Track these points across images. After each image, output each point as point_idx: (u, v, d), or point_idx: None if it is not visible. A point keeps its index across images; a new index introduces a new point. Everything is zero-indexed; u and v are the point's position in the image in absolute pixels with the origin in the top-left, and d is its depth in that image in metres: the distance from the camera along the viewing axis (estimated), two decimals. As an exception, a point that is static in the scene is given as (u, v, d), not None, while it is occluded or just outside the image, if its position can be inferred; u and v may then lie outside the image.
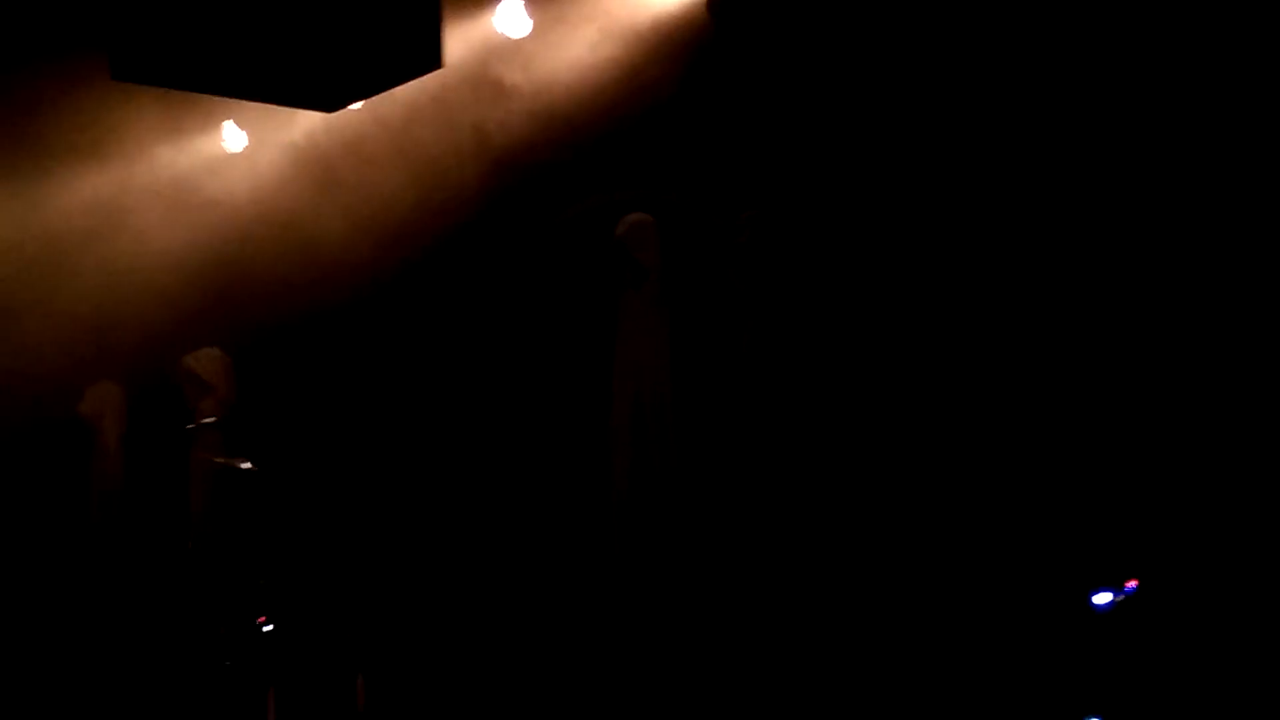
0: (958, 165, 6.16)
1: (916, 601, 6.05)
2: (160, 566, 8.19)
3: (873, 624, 6.14)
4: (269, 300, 8.05)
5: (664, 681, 6.61)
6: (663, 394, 6.93)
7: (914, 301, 6.28)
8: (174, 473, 8.24)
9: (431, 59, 5.12)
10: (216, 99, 6.92)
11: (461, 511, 7.58)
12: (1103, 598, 6.04)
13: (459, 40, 6.97)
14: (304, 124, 7.95)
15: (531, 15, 7.09)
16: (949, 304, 6.20)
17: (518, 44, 7.17)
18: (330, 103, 5.59)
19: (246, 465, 7.47)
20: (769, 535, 6.46)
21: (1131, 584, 5.58)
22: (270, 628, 7.31)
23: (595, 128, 6.99)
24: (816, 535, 6.34)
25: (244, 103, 7.75)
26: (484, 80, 7.28)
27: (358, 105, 6.80)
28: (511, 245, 7.53)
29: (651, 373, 6.95)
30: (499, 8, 7.10)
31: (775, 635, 6.34)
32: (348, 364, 8.08)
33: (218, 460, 7.57)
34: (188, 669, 7.68)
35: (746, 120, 6.77)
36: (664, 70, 6.83)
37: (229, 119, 8.05)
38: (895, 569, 6.14)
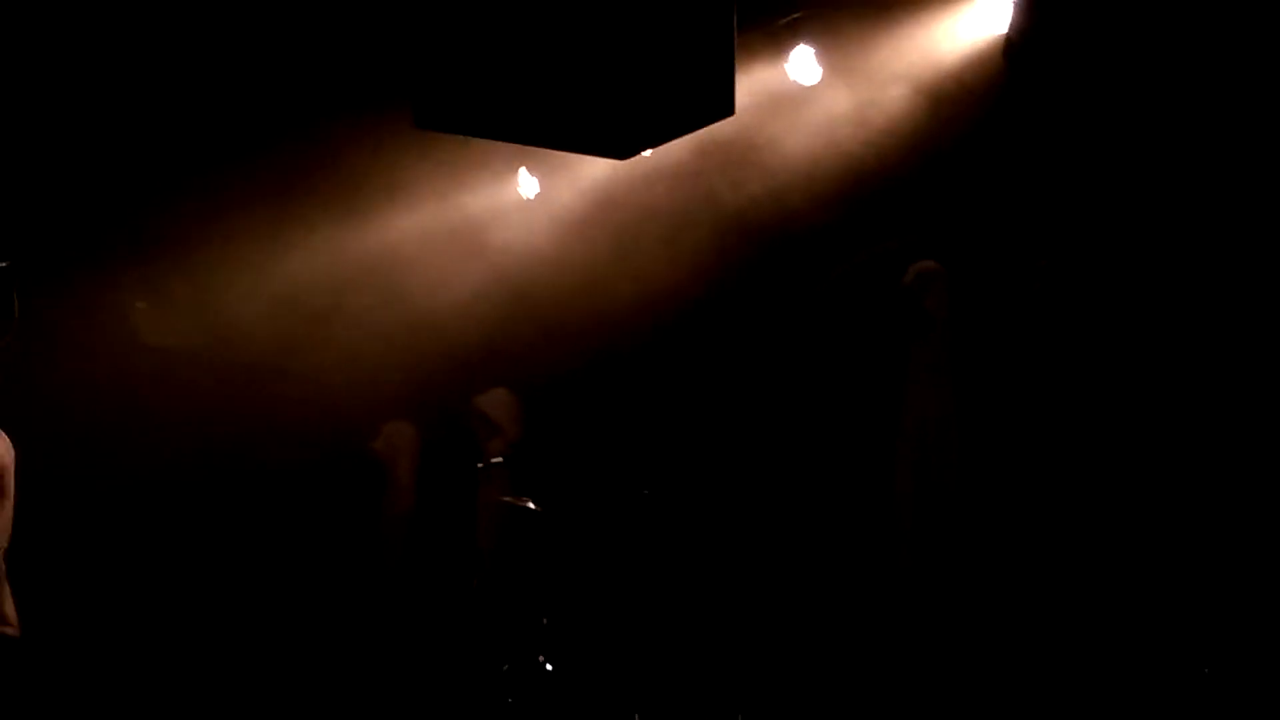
0: (1267, 215, 5.86)
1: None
2: (446, 602, 8.31)
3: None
4: (554, 344, 8.18)
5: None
6: (949, 446, 6.75)
7: (1217, 354, 5.98)
8: (462, 510, 8.36)
9: (724, 106, 5.09)
10: (512, 146, 7.12)
11: (747, 558, 7.53)
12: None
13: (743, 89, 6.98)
14: (592, 172, 8.07)
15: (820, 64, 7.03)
16: (1256, 359, 5.89)
17: (804, 91, 7.12)
18: (623, 150, 5.61)
19: (532, 505, 7.55)
20: (1056, 598, 6.23)
21: None
22: (551, 667, 7.35)
23: (880, 176, 6.91)
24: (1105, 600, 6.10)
25: (537, 150, 7.99)
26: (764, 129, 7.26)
27: (648, 153, 6.84)
28: (795, 296, 7.47)
29: (938, 425, 6.78)
30: (791, 55, 7.05)
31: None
32: (630, 408, 8.13)
33: (505, 499, 7.66)
34: (471, 704, 7.74)
35: (1039, 166, 6.58)
36: (953, 115, 6.69)
37: (522, 166, 8.21)
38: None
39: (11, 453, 6.58)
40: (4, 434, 6.55)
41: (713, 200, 7.56)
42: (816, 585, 7.21)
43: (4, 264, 7.67)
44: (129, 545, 8.24)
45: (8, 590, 6.60)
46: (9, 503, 6.50)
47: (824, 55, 7.01)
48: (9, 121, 7.29)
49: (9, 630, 6.55)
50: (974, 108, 6.59)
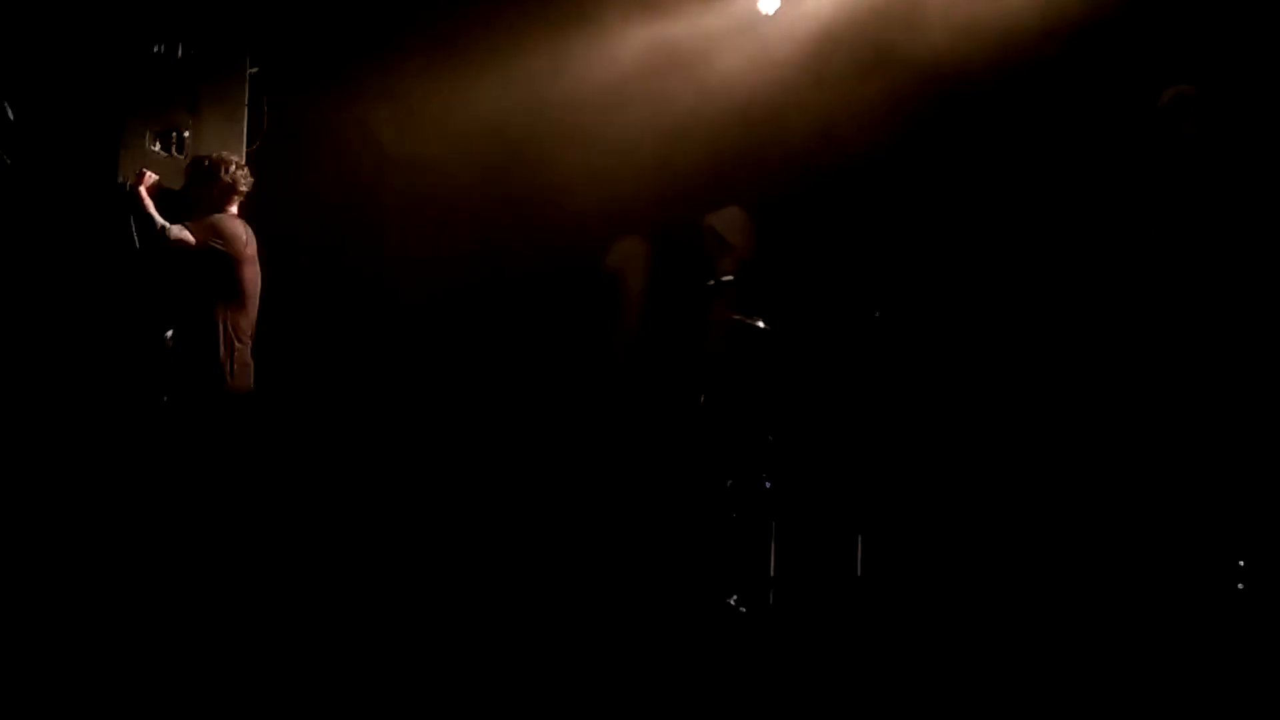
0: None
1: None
2: (672, 417, 8.33)
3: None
4: (788, 162, 8.02)
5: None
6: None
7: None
8: (692, 327, 8.33)
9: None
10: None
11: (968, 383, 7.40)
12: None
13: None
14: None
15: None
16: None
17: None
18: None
19: (761, 324, 7.48)
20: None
21: None
22: (770, 485, 7.33)
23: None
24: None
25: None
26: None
27: None
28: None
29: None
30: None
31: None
32: (861, 229, 7.96)
33: (734, 317, 7.59)
34: (694, 518, 7.79)
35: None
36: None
37: None
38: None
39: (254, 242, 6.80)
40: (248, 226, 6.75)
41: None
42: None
43: (254, 70, 7.81)
44: (368, 350, 8.43)
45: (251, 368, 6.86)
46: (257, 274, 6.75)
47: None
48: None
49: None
50: None
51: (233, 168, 6.89)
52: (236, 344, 6.72)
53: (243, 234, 6.84)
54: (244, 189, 6.92)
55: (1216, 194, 6.38)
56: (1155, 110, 6.54)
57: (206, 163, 6.93)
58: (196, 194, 6.86)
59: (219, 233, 6.73)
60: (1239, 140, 6.25)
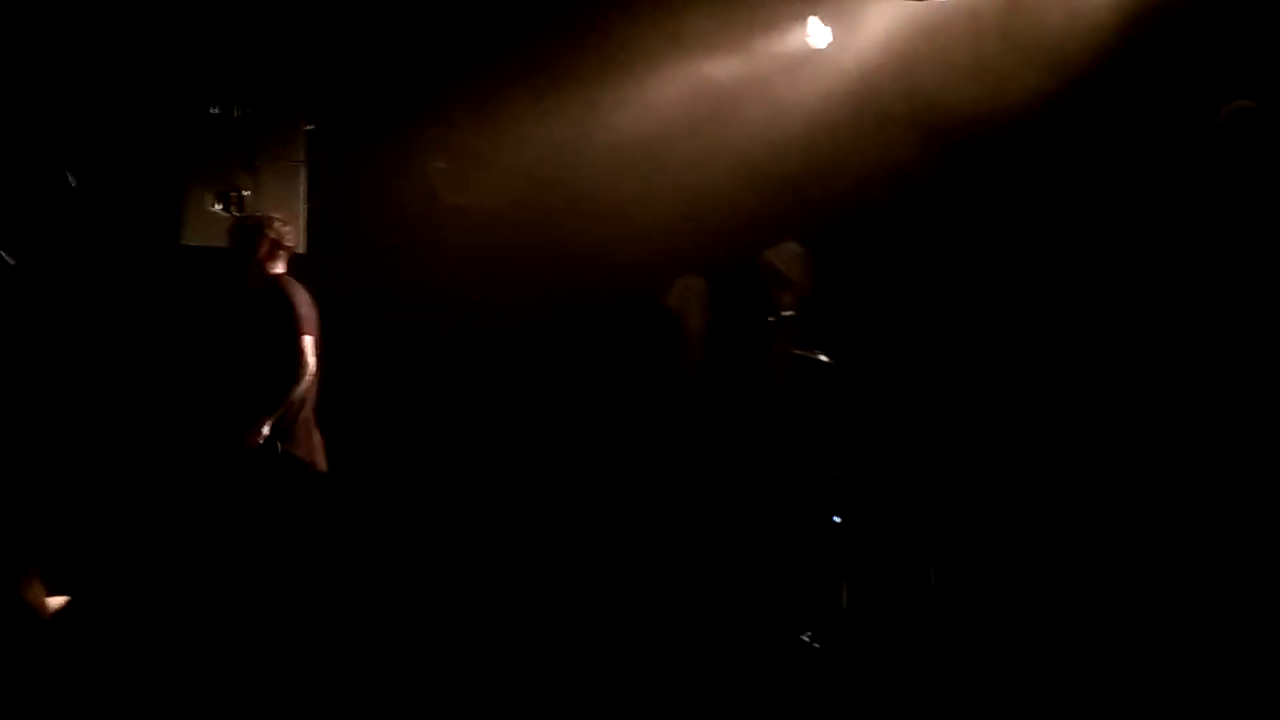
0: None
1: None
2: (738, 453, 8.30)
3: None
4: (844, 197, 7.99)
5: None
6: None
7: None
8: (754, 363, 8.32)
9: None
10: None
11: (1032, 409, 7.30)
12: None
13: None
14: (883, 21, 7.80)
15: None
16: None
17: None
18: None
19: (823, 358, 7.44)
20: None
21: None
22: (841, 520, 7.27)
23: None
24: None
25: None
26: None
27: None
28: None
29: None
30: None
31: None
32: (914, 262, 7.92)
33: (796, 352, 7.55)
34: (762, 556, 7.75)
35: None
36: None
37: (813, 14, 7.97)
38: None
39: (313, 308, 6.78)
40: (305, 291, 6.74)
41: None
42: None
43: (309, 127, 7.89)
44: (431, 395, 8.44)
45: (318, 436, 6.85)
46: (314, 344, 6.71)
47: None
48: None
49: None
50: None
51: (276, 224, 6.86)
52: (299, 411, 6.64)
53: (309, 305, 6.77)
54: (289, 244, 6.89)
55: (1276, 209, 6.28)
56: (1215, 127, 6.44)
57: (250, 221, 6.93)
58: (242, 253, 6.82)
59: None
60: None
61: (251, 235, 6.80)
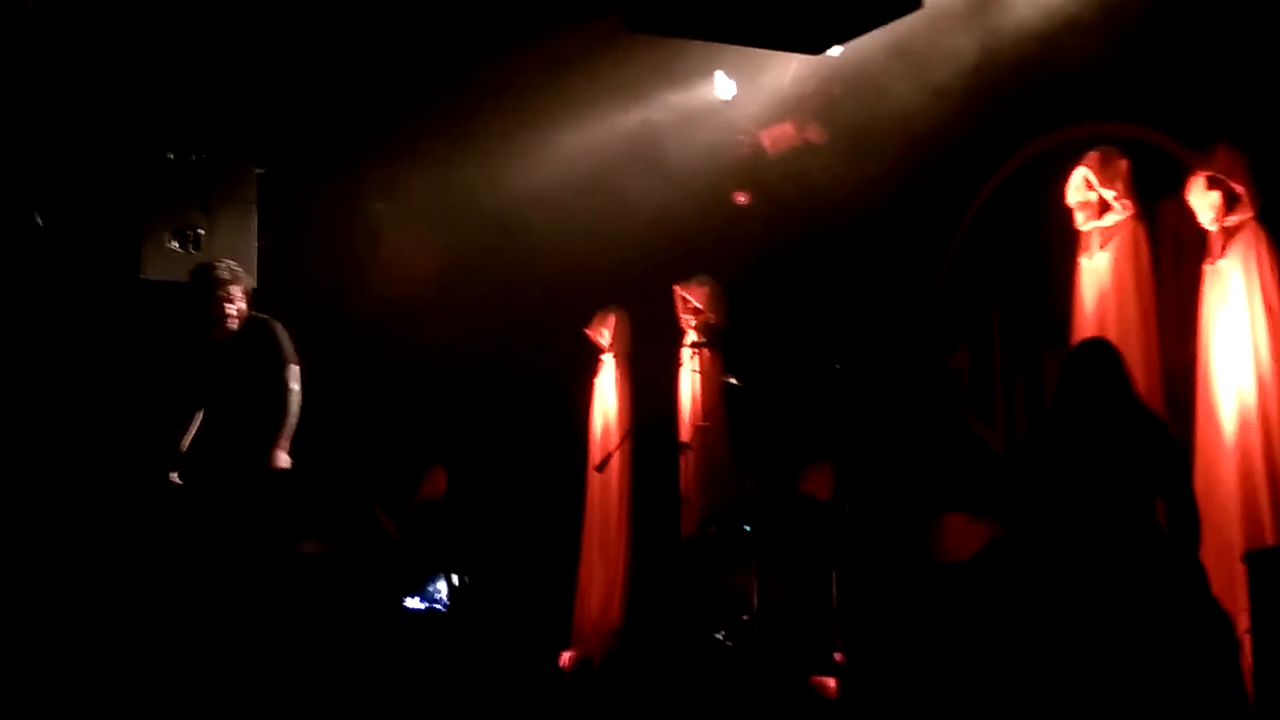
0: None
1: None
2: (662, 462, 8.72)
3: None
4: (754, 234, 8.52)
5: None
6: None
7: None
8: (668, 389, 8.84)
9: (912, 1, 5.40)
10: (707, 48, 7.39)
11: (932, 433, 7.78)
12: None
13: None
14: (784, 71, 8.26)
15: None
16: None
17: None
18: (817, 45, 5.98)
19: (733, 381, 7.99)
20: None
21: None
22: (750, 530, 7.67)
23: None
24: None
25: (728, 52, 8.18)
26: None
27: (837, 50, 6.99)
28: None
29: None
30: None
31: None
32: (823, 292, 8.40)
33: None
34: (671, 568, 8.16)
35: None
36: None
37: (718, 69, 8.37)
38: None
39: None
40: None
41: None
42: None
43: (260, 170, 8.36)
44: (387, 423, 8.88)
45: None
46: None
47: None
48: (268, 39, 7.88)
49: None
50: None
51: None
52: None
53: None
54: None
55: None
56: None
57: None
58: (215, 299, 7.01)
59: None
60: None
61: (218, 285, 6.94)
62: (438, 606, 6.97)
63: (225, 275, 6.68)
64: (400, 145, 8.78)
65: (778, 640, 7.07)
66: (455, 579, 7.00)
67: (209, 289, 6.65)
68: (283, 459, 6.47)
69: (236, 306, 6.66)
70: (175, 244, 7.94)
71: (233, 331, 6.67)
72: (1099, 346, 5.46)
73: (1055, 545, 5.22)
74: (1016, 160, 7.44)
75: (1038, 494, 5.38)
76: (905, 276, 8.03)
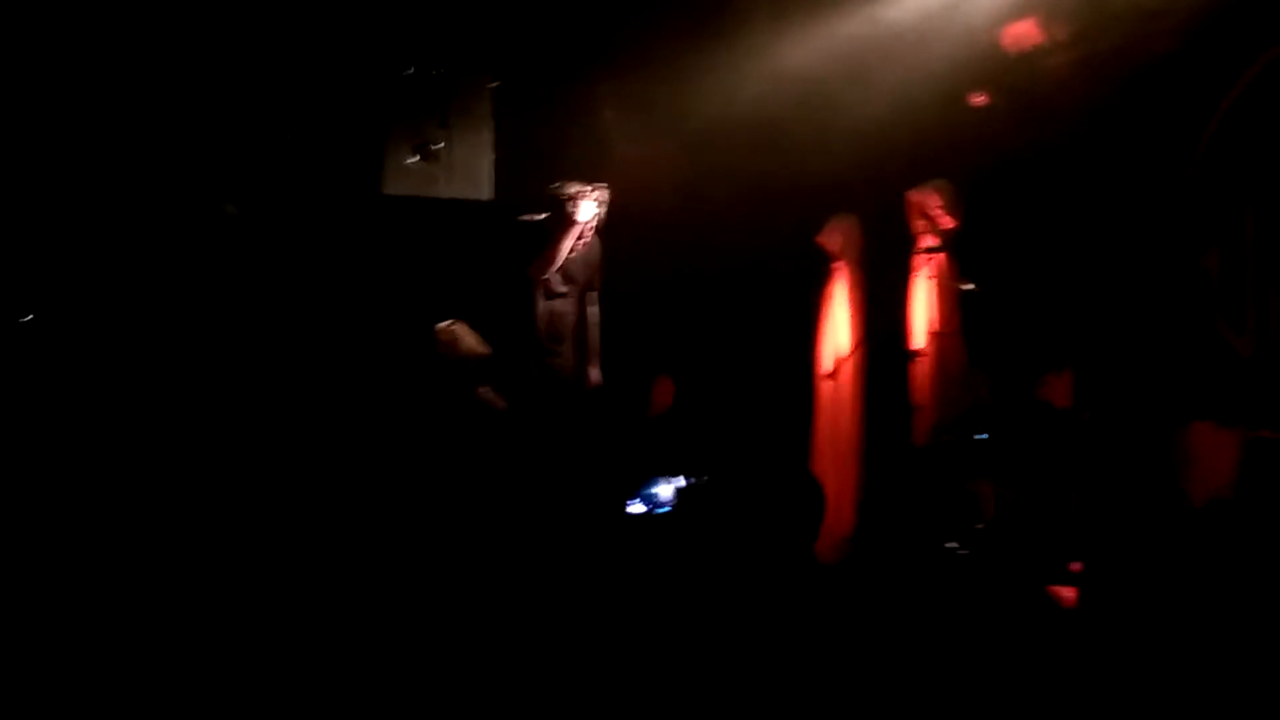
0: None
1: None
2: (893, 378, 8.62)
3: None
4: (992, 137, 8.26)
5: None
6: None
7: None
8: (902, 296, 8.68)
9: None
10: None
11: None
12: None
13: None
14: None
15: None
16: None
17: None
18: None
19: (969, 286, 7.82)
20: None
21: None
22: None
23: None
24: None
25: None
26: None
27: None
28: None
29: None
30: None
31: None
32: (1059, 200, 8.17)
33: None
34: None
35: None
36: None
37: None
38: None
39: None
40: None
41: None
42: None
43: (494, 84, 8.46)
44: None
45: None
46: None
47: None
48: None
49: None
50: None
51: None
52: None
53: None
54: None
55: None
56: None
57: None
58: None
59: None
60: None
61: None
62: (662, 509, 7.04)
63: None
64: (633, 57, 8.71)
65: (1013, 550, 6.92)
66: (685, 481, 7.06)
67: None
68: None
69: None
70: (416, 158, 8.11)
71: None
72: None
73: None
74: (1273, 53, 7.08)
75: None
76: (1152, 175, 7.72)
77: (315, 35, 8.13)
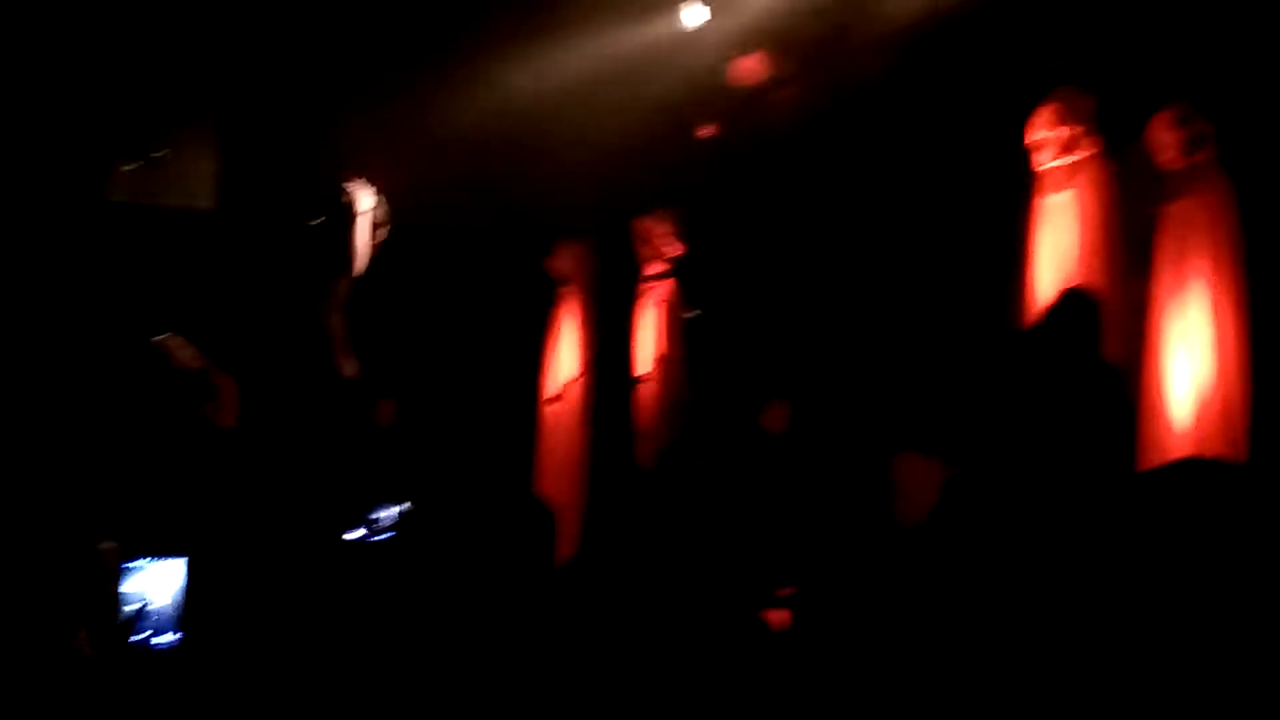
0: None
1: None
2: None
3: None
4: (711, 164, 8.47)
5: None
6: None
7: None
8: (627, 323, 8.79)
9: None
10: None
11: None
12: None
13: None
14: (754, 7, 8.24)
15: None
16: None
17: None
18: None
19: (694, 313, 7.96)
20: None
21: None
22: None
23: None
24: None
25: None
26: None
27: None
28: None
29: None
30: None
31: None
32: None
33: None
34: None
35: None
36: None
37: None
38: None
39: None
40: None
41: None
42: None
43: (220, 94, 8.23)
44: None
45: None
46: None
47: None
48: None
49: None
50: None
51: None
52: None
53: None
54: None
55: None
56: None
57: None
58: None
59: None
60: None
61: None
62: (379, 536, 6.98)
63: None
64: (371, 73, 8.66)
65: (727, 574, 7.06)
66: (398, 509, 7.00)
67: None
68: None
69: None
70: (139, 165, 7.90)
71: None
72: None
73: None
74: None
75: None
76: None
77: (39, 35, 7.82)
